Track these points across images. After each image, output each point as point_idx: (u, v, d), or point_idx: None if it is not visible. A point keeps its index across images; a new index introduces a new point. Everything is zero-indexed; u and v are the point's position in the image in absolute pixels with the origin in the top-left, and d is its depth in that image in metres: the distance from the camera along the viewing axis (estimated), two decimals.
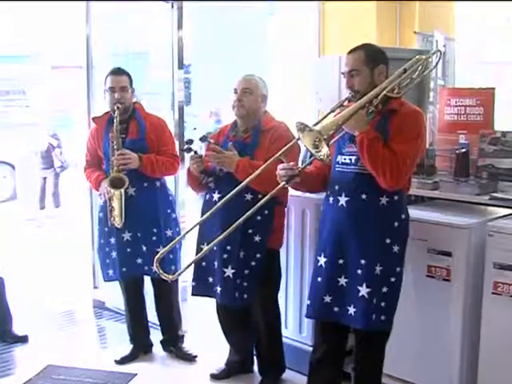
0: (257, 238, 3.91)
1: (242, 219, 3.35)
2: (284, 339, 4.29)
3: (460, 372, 3.67)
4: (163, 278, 3.49)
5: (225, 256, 3.94)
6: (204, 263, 4.07)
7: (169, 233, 4.45)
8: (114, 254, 4.46)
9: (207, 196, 4.04)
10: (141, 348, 4.75)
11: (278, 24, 6.56)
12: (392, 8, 6.10)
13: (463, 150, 4.07)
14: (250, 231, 3.90)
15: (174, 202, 4.71)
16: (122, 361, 4.63)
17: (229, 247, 3.92)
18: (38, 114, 9.85)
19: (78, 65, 6.00)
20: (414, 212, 3.85)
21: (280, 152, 3.36)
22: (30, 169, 9.34)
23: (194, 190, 4.23)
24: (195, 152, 3.93)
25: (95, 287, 5.92)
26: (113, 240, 4.44)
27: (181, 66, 4.90)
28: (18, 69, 13.03)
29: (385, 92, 3.20)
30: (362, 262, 3.31)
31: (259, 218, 3.88)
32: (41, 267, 6.89)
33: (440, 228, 3.69)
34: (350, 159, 3.35)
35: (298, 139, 3.12)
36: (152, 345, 4.81)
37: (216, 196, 3.94)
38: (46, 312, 5.67)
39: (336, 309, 3.42)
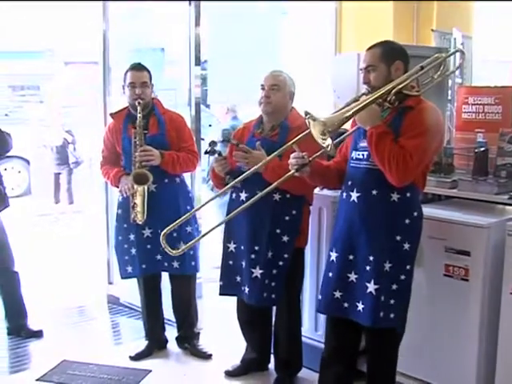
0: (285, 238, 3.90)
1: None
2: None
3: (477, 372, 3.65)
4: (168, 251, 3.54)
5: (253, 256, 3.93)
6: (231, 262, 4.07)
7: (189, 229, 4.44)
8: (133, 250, 4.45)
9: (233, 195, 4.02)
10: (156, 344, 4.75)
11: (292, 22, 6.54)
12: (409, 6, 6.07)
13: (482, 149, 4.04)
14: (278, 231, 3.89)
15: (193, 198, 4.70)
16: (137, 357, 4.63)
17: (257, 247, 3.92)
18: (52, 110, 9.84)
19: (92, 61, 6.00)
20: (432, 211, 3.84)
21: (293, 141, 3.39)
22: (44, 164, 9.35)
23: (219, 189, 4.22)
24: (219, 154, 3.92)
25: (110, 283, 5.93)
26: (132, 237, 4.43)
27: (198, 62, 4.88)
28: (32, 64, 13.06)
29: (398, 88, 3.20)
30: (371, 258, 3.31)
31: (287, 218, 3.88)
32: (56, 263, 6.90)
33: (458, 227, 3.67)
34: (363, 155, 3.35)
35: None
36: (167, 341, 4.81)
37: (243, 195, 3.92)
38: (61, 307, 5.68)
39: (346, 304, 3.42)
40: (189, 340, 4.74)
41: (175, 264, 4.44)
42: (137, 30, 5.47)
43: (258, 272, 3.91)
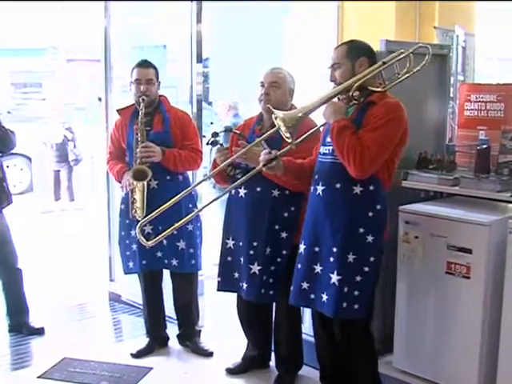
0: (283, 235, 3.90)
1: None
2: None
3: (479, 370, 3.64)
4: (142, 243, 3.61)
5: (251, 252, 3.94)
6: (230, 258, 4.07)
7: (190, 227, 4.43)
8: (134, 246, 4.44)
9: (233, 191, 4.01)
10: (157, 342, 4.74)
11: (294, 20, 6.54)
12: (411, 4, 6.06)
13: (484, 146, 4.03)
14: (277, 227, 3.89)
15: (197, 196, 4.69)
16: (138, 354, 4.62)
17: (255, 243, 3.92)
18: (54, 107, 9.84)
19: (93, 58, 6.00)
20: (434, 208, 3.84)
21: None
22: (46, 161, 9.34)
23: (219, 183, 4.24)
24: (221, 145, 3.91)
25: (111, 280, 5.92)
26: (133, 232, 4.41)
27: (199, 59, 4.86)
28: (34, 62, 13.07)
29: (359, 82, 3.27)
30: (334, 249, 3.37)
31: (286, 214, 3.88)
32: (57, 260, 6.90)
33: (460, 225, 3.66)
34: (328, 149, 3.41)
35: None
36: (168, 339, 4.80)
37: (242, 192, 3.92)
38: (63, 305, 5.67)
39: (312, 296, 3.48)
40: (190, 338, 4.74)
41: (174, 262, 4.44)
42: (139, 27, 5.47)
43: (256, 268, 3.91)
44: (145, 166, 4.27)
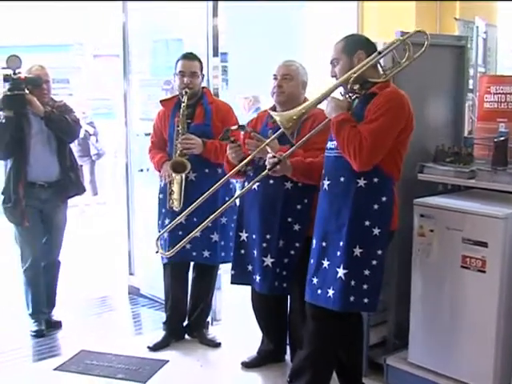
0: (296, 227, 3.89)
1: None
2: None
3: (495, 364, 3.59)
4: (161, 253, 3.80)
5: (264, 245, 3.93)
6: (243, 251, 4.08)
7: (223, 220, 4.42)
8: (165, 235, 4.44)
9: (246, 184, 4.01)
10: (174, 335, 4.74)
11: (313, 12, 6.51)
12: None
13: (502, 138, 3.97)
14: (290, 220, 3.88)
15: (235, 189, 4.65)
16: (155, 347, 4.63)
17: (268, 236, 3.91)
18: (81, 103, 9.92)
19: (116, 53, 6.03)
20: (449, 201, 3.81)
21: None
22: None
23: (232, 178, 4.23)
24: (233, 140, 3.91)
25: (131, 274, 5.95)
26: (167, 221, 4.44)
27: (216, 53, 4.87)
28: (61, 58, 13.15)
29: (356, 75, 3.25)
30: (341, 243, 3.34)
31: (299, 206, 3.87)
32: (79, 254, 6.94)
33: (476, 218, 3.61)
34: (334, 144, 3.39)
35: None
36: (186, 332, 4.81)
37: (255, 184, 3.91)
38: (83, 298, 5.71)
39: (319, 291, 3.46)
40: (198, 328, 4.75)
41: (206, 253, 4.43)
42: (156, 22, 5.48)
43: (269, 261, 3.90)
44: (184, 159, 4.29)
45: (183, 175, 4.32)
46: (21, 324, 5.04)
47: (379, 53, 3.32)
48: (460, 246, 3.66)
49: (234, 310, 5.17)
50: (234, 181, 4.61)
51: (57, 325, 5.08)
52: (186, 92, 4.32)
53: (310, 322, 3.60)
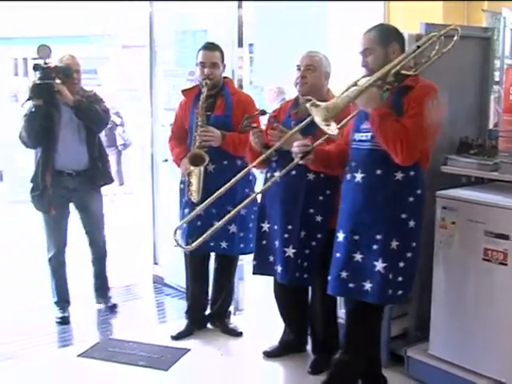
0: (318, 218, 3.89)
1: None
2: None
3: None
4: (180, 247, 3.74)
5: (286, 236, 3.94)
6: (265, 242, 4.09)
7: (242, 212, 4.39)
8: (185, 225, 4.46)
9: (268, 174, 4.03)
10: (196, 324, 4.78)
11: (338, 9, 6.47)
12: None
13: None
14: (312, 211, 3.89)
15: (255, 181, 4.65)
16: (178, 336, 4.67)
17: (290, 227, 3.92)
18: (108, 93, 9.99)
19: (143, 44, 6.07)
20: (472, 193, 3.79)
21: (338, 129, 3.31)
22: None
23: (255, 167, 4.23)
24: (254, 127, 3.91)
25: (155, 263, 6.00)
26: (186, 211, 4.46)
27: (240, 44, 4.88)
28: (90, 49, 13.27)
29: (396, 69, 3.21)
30: (378, 237, 3.34)
31: (321, 198, 3.88)
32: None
33: (498, 210, 3.60)
34: (366, 136, 3.38)
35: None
36: (208, 321, 4.84)
37: (277, 174, 3.91)
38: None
39: (351, 285, 3.44)
40: (220, 318, 4.79)
41: (224, 244, 4.45)
42: (182, 13, 5.50)
43: (290, 251, 3.91)
44: (202, 151, 4.30)
45: (201, 168, 4.33)
46: (47, 311, 5.11)
47: (418, 47, 3.27)
48: (482, 239, 3.64)
49: (257, 300, 5.19)
50: (254, 171, 4.61)
51: (114, 308, 5.20)
52: (207, 83, 4.33)
53: (350, 317, 3.63)
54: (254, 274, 4.18)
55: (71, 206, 5.02)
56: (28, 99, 4.72)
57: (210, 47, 4.43)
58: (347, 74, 4.34)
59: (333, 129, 3.06)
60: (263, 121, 4.23)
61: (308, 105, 3.17)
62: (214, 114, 4.40)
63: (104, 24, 13.04)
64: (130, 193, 9.64)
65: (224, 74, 4.56)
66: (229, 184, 3.65)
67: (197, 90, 4.51)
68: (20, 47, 13.24)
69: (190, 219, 3.88)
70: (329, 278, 3.54)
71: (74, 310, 5.13)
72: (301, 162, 3.49)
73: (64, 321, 4.98)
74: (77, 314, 5.12)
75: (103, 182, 5.07)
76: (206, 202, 3.69)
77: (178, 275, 5.35)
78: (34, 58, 4.70)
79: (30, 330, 4.88)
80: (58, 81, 4.69)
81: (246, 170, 3.78)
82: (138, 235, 6.28)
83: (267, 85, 7.62)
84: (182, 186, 4.59)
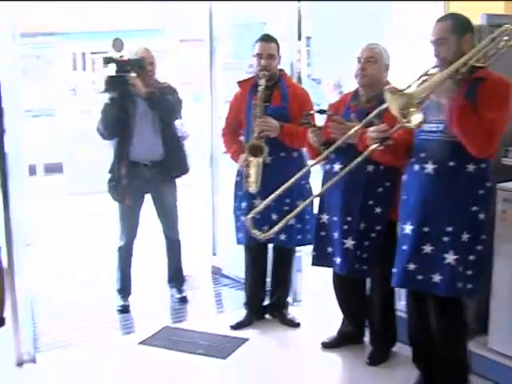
0: (377, 210, 3.91)
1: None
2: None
3: None
4: (254, 235, 3.69)
5: (345, 227, 3.96)
6: (324, 233, 4.12)
7: (300, 203, 4.40)
8: (243, 218, 4.50)
9: (327, 166, 4.05)
10: (255, 314, 4.84)
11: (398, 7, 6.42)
12: None
13: None
14: (371, 203, 3.91)
15: (310, 173, 4.66)
16: (237, 326, 4.74)
17: (349, 218, 3.94)
18: None
19: (201, 38, 6.12)
20: None
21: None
22: None
23: (312, 160, 4.26)
24: (314, 125, 3.94)
25: (214, 254, 6.08)
26: (244, 204, 4.53)
27: (299, 37, 4.90)
28: (148, 43, 13.41)
29: (474, 59, 3.16)
30: (449, 229, 3.32)
31: (380, 189, 3.89)
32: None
33: None
34: (438, 127, 3.34)
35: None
36: (266, 311, 4.90)
37: (337, 167, 3.94)
38: (160, 279, 5.84)
39: (419, 277, 3.42)
40: (279, 308, 4.83)
41: (282, 236, 4.48)
42: (240, 6, 5.54)
43: (349, 243, 3.93)
44: (261, 142, 4.34)
45: (260, 159, 4.36)
46: (110, 299, 5.24)
47: (493, 39, 3.21)
48: None
49: (314, 291, 5.21)
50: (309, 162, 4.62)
51: (184, 300, 5.31)
52: (264, 74, 4.36)
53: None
54: (312, 265, 4.21)
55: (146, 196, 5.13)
56: (103, 92, 4.83)
57: (267, 39, 4.47)
58: (403, 69, 4.35)
59: (415, 118, 3.03)
60: (319, 118, 4.24)
61: (386, 92, 3.13)
62: (272, 105, 4.44)
63: (161, 18, 13.14)
64: (189, 185, 9.72)
65: (279, 67, 4.59)
66: (294, 179, 3.69)
67: (253, 81, 4.55)
68: (78, 42, 13.47)
69: (260, 210, 3.87)
70: (394, 270, 3.54)
71: (136, 297, 5.25)
72: (379, 148, 3.44)
73: (124, 309, 5.10)
74: (138, 302, 5.23)
75: (179, 172, 5.15)
76: (276, 193, 3.74)
77: (235, 266, 5.42)
78: (98, 52, 4.79)
79: (93, 317, 5.02)
80: (133, 74, 4.78)
81: (308, 167, 3.83)
82: (198, 226, 6.34)
83: (324, 78, 7.64)
84: (238, 178, 4.65)
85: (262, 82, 4.36)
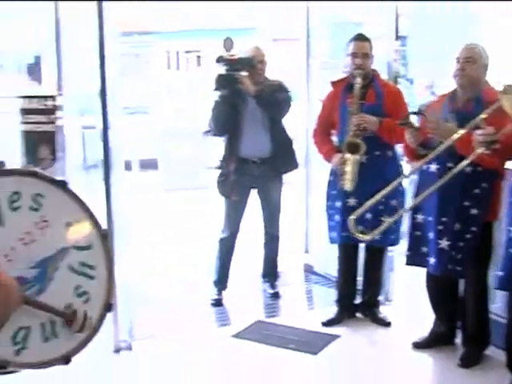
0: (473, 212, 3.88)
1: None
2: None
3: None
4: (358, 237, 3.74)
5: (440, 227, 3.95)
6: (419, 233, 4.12)
7: (394, 202, 4.44)
8: (337, 217, 4.57)
9: (424, 166, 4.03)
10: (346, 312, 4.87)
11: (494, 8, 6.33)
12: None
13: None
14: (467, 204, 3.88)
15: (402, 171, 4.65)
16: (328, 323, 4.78)
17: (444, 219, 3.94)
18: None
19: (294, 37, 6.17)
20: None
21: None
22: None
23: (411, 162, 4.26)
24: (412, 125, 3.95)
25: (306, 252, 6.13)
26: (337, 204, 4.56)
27: (397, 37, 4.90)
28: (242, 42, 13.56)
29: None
30: None
31: (477, 191, 3.86)
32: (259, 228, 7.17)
33: None
34: None
35: None
36: (357, 310, 4.92)
37: (433, 167, 3.93)
38: (259, 272, 5.93)
39: None
40: (370, 307, 4.85)
41: (376, 236, 4.49)
42: (338, 5, 5.56)
43: (444, 243, 3.92)
44: (358, 140, 4.36)
45: (357, 156, 4.37)
46: (204, 293, 5.37)
47: None
48: None
49: (406, 291, 5.20)
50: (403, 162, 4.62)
51: (277, 294, 5.38)
52: (360, 73, 4.38)
53: None
54: (406, 264, 4.22)
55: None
56: (214, 90, 4.96)
57: (361, 38, 4.50)
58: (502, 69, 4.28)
59: None
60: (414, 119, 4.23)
61: (500, 92, 3.12)
62: (366, 103, 4.45)
63: (254, 17, 13.26)
64: (286, 183, 9.77)
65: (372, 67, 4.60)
66: (396, 181, 3.83)
67: (346, 81, 4.58)
68: (173, 41, 13.74)
69: (364, 211, 3.93)
70: (500, 273, 3.52)
71: (229, 290, 5.36)
72: (486, 152, 3.43)
73: (218, 303, 5.22)
74: (231, 295, 5.35)
75: (287, 168, 5.23)
76: (380, 194, 3.82)
77: (327, 264, 5.46)
78: (190, 51, 4.92)
79: (187, 309, 5.17)
80: (243, 72, 4.88)
81: (414, 168, 3.89)
82: (292, 224, 6.41)
83: (417, 78, 7.58)
84: (331, 177, 4.67)
85: (358, 80, 4.38)
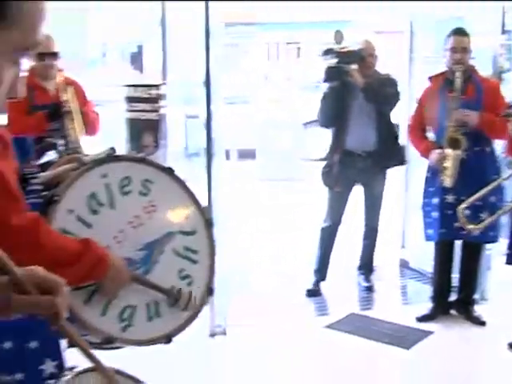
0: None
1: None
2: None
3: None
4: (466, 227, 3.75)
5: None
6: None
7: (493, 199, 4.38)
8: (434, 214, 4.55)
9: None
10: (440, 308, 4.84)
11: None
12: None
13: None
14: None
15: (501, 168, 4.64)
16: (423, 319, 4.77)
17: None
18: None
19: (397, 30, 6.11)
20: None
21: None
22: None
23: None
24: None
25: (402, 247, 6.11)
26: (436, 200, 4.54)
27: (503, 30, 4.81)
28: (345, 33, 13.49)
29: None
30: None
31: None
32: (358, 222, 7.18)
33: None
34: None
35: None
36: (452, 307, 4.88)
37: None
38: (353, 265, 5.93)
39: None
40: (466, 305, 4.80)
41: (475, 232, 4.45)
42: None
43: None
44: (459, 135, 4.33)
45: (458, 152, 4.33)
46: (301, 282, 5.45)
47: None
48: None
49: (504, 290, 5.11)
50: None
51: (371, 288, 5.41)
52: (460, 68, 4.34)
53: None
54: (507, 263, 4.16)
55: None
56: (323, 81, 5.03)
57: (461, 32, 4.45)
58: None
59: None
60: None
61: None
62: (465, 98, 4.41)
63: (351, 9, 13.18)
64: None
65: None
66: (501, 179, 3.83)
67: (444, 76, 4.54)
68: (274, 32, 13.82)
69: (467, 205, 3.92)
70: None
71: (328, 281, 5.41)
72: None
73: (314, 293, 5.28)
74: (327, 286, 5.39)
75: (392, 163, 5.24)
76: (484, 190, 3.88)
77: (423, 260, 5.42)
78: (291, 42, 4.97)
79: (282, 298, 5.27)
80: (353, 65, 4.93)
81: None
82: (389, 220, 6.39)
83: None
84: (428, 174, 4.65)
85: (458, 74, 4.33)
